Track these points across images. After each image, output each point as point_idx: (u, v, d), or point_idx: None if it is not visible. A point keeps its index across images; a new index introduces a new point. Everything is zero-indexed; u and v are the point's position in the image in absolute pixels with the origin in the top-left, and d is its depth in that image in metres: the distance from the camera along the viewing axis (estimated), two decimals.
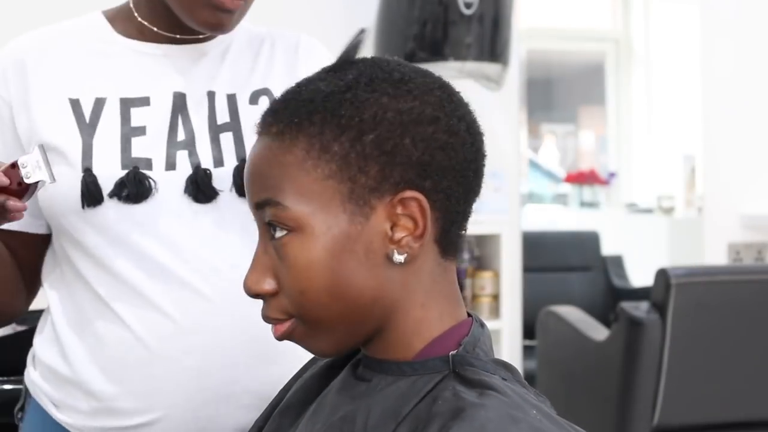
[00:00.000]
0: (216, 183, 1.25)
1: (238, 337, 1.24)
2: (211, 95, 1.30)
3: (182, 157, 1.26)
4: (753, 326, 2.90)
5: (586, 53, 6.31)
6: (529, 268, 3.57)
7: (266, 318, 0.89)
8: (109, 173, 1.23)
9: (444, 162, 0.85)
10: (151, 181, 1.23)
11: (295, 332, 0.88)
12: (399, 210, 0.84)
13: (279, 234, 0.86)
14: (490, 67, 2.90)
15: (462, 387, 0.82)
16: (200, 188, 1.24)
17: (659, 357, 2.83)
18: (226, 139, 1.28)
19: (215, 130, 1.28)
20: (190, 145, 1.26)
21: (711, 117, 3.96)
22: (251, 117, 1.26)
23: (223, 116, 1.29)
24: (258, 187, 0.87)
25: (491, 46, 2.91)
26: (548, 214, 6.14)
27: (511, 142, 3.31)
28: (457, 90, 0.90)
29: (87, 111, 1.27)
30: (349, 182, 0.84)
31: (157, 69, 1.30)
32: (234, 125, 1.28)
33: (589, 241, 4.90)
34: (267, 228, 0.88)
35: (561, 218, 5.99)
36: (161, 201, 1.24)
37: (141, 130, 1.26)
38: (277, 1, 3.11)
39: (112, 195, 1.23)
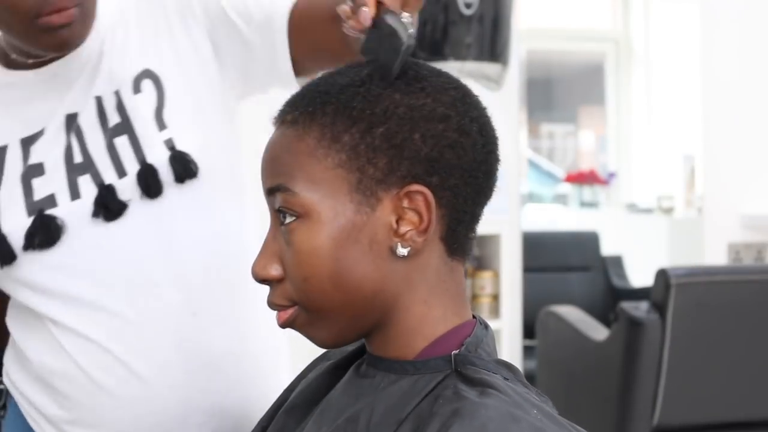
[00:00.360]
0: (122, 195, 1.22)
1: (174, 353, 1.23)
2: (98, 100, 1.25)
3: (85, 181, 1.22)
4: (753, 326, 2.90)
5: (586, 53, 6.30)
6: (529, 268, 3.57)
7: (271, 304, 0.90)
8: (17, 225, 1.21)
9: (452, 160, 0.86)
10: (58, 221, 1.20)
11: (297, 320, 0.89)
12: (405, 203, 0.85)
13: (288, 220, 0.87)
14: (490, 67, 2.90)
15: (463, 386, 0.83)
16: (107, 207, 1.21)
17: (659, 357, 2.82)
18: (122, 144, 1.23)
19: (109, 135, 1.23)
20: (89, 166, 1.23)
21: (711, 117, 3.95)
22: (137, 107, 1.23)
23: (113, 117, 1.24)
24: (270, 174, 0.89)
25: (491, 46, 2.91)
26: (548, 214, 6.14)
27: (511, 142, 3.31)
28: (475, 93, 0.91)
29: None
30: (357, 172, 0.85)
31: (47, 95, 1.26)
32: (125, 125, 1.23)
33: (588, 241, 4.89)
34: (277, 214, 0.89)
35: (561, 218, 5.99)
36: (74, 235, 1.21)
37: (39, 169, 1.23)
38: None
39: (26, 248, 1.21)
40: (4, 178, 1.23)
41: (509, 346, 3.26)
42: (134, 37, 1.28)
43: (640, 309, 2.87)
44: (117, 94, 1.25)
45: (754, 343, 2.90)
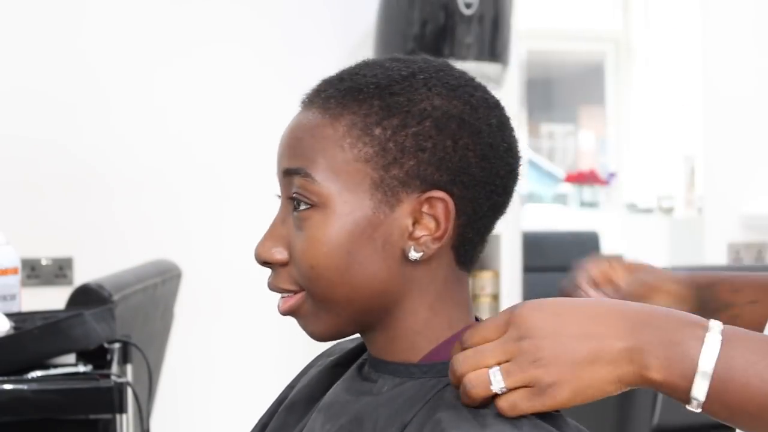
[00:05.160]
0: None
1: None
2: None
3: None
4: None
5: (586, 53, 6.30)
6: (529, 268, 3.57)
7: (275, 287, 0.88)
8: None
9: (478, 173, 0.86)
10: None
11: (301, 308, 0.87)
12: (425, 208, 0.85)
13: (302, 207, 0.85)
14: (490, 67, 2.91)
15: None
16: None
17: None
18: None
19: None
20: None
21: (711, 117, 3.95)
22: None
23: None
24: (291, 155, 0.87)
25: (491, 46, 2.91)
26: (548, 214, 6.14)
27: None
28: (508, 115, 0.91)
29: None
30: (382, 170, 0.84)
31: None
32: None
33: (589, 241, 4.89)
34: (290, 199, 0.87)
35: (561, 218, 5.99)
36: None
37: None
38: (278, 1, 3.10)
39: None
40: None
41: None
42: None
43: None
44: None
45: None
